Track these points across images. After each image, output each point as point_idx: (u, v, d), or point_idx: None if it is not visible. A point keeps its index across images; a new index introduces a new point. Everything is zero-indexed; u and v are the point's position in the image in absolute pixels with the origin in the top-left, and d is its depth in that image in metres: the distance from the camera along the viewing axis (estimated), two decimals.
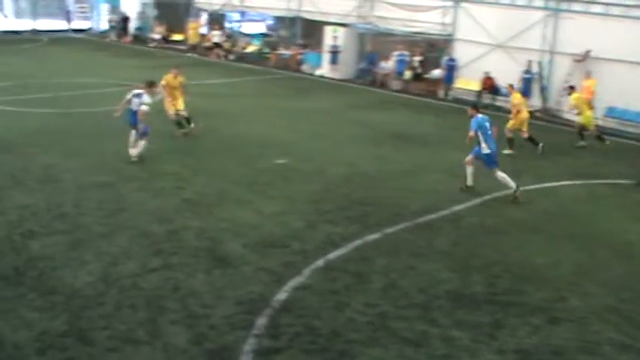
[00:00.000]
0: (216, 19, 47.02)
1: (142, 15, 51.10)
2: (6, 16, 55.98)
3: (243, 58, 42.00)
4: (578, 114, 23.54)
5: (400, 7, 34.54)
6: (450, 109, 29.61)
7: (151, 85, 18.56)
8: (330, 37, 36.39)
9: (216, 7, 45.37)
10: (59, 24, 54.06)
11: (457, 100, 30.99)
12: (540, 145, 21.81)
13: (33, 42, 45.98)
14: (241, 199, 15.73)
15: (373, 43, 35.98)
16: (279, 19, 44.76)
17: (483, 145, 16.82)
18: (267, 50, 41.92)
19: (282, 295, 11.05)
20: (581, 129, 23.46)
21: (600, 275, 12.77)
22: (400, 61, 33.81)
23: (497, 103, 29.90)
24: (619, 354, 10.02)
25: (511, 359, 9.68)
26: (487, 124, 16.98)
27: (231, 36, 45.09)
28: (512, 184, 16.80)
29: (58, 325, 9.83)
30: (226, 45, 43.01)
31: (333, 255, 12.78)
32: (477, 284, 11.98)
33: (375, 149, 21.07)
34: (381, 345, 9.78)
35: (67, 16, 54.57)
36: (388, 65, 34.36)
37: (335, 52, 36.12)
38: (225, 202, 15.42)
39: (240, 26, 46.76)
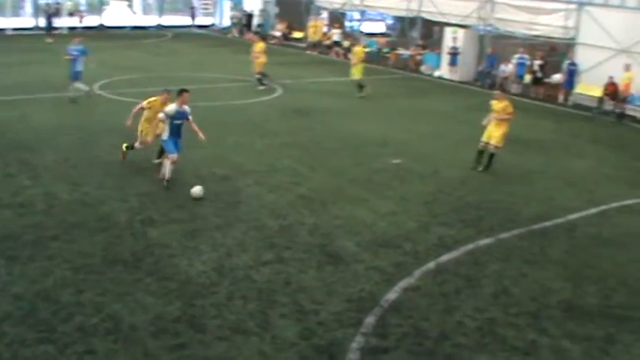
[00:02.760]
0: (337, 18, 47.42)
1: (263, 12, 52.06)
2: (134, 13, 58.19)
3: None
4: None
5: (521, 9, 33.98)
6: (570, 115, 28.96)
7: (180, 93, 15.68)
8: (450, 38, 36.20)
9: (337, 6, 45.78)
10: (183, 20, 55.74)
11: (577, 106, 30.26)
12: None
13: (158, 37, 47.54)
14: (356, 197, 15.91)
15: (493, 46, 35.50)
16: (399, 19, 44.71)
17: None
18: (387, 50, 41.93)
19: (391, 295, 11.16)
20: None
21: None
22: (520, 65, 33.23)
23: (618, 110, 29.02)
24: None
25: None
26: None
27: (351, 35, 45.37)
28: None
29: (172, 311, 10.27)
30: (346, 44, 43.31)
31: (444, 258, 12.79)
32: (590, 296, 11.74)
33: None
34: (488, 351, 9.75)
35: (192, 12, 56.18)
36: (508, 68, 33.83)
37: (454, 54, 35.90)
38: (340, 200, 15.62)
39: (360, 25, 46.96)
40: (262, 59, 29.18)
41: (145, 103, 16.93)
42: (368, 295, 11.13)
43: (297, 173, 17.38)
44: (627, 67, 28.28)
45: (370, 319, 10.33)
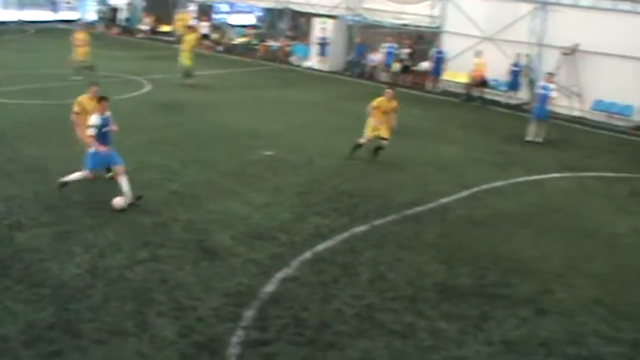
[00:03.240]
0: (205, 11, 46.86)
1: (130, 6, 50.84)
2: None
3: (231, 49, 41.90)
4: None
5: None
6: (438, 102, 29.72)
7: (100, 101, 14.51)
8: (319, 28, 36.37)
9: None
10: (46, 15, 53.77)
11: (445, 93, 31.07)
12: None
13: (19, 33, 45.69)
14: (230, 190, 15.73)
15: (362, 35, 35.99)
16: (268, 11, 44.61)
17: None
18: (255, 42, 41.78)
19: (269, 288, 11.09)
20: None
21: (587, 267, 12.88)
22: (388, 53, 33.78)
23: (485, 96, 30.02)
24: (605, 345, 10.14)
25: (498, 350, 9.76)
26: None
27: (220, 27, 44.95)
28: None
29: (45, 317, 9.83)
30: (214, 36, 42.88)
31: (320, 247, 12.82)
32: (464, 276, 12.05)
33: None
34: (368, 337, 9.83)
35: (54, 7, 54.26)
36: (377, 57, 34.38)
37: (323, 44, 36.11)
38: (214, 194, 15.40)
39: (228, 17, 46.58)
40: (84, 49, 29.06)
41: (75, 108, 15.60)
42: (246, 288, 11.01)
43: (168, 169, 17.01)
44: (478, 54, 29.62)
45: (249, 313, 10.23)
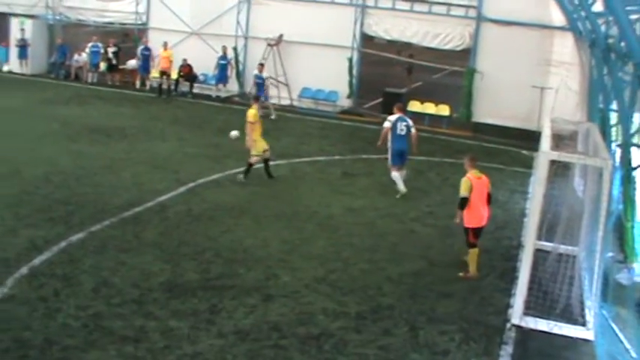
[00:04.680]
0: None
1: None
2: None
3: None
4: None
5: None
6: (148, 99, 29.50)
7: None
8: (17, 29, 34.44)
9: None
10: None
11: (154, 90, 30.81)
12: None
13: None
14: None
15: (65, 35, 34.62)
16: None
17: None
18: None
19: None
20: None
21: (308, 249, 13.54)
22: (94, 53, 32.80)
23: (195, 90, 30.32)
24: (332, 321, 10.73)
25: (231, 341, 9.94)
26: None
27: None
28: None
29: None
30: None
31: (37, 260, 12.22)
32: (189, 272, 12.14)
33: (73, 146, 20.38)
34: (99, 347, 9.56)
35: None
36: (82, 57, 33.29)
37: (23, 46, 34.24)
38: None
39: None
40: None
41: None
42: None
43: None
44: (165, 45, 30.07)
45: None
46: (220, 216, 15.15)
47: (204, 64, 30.18)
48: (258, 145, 17.77)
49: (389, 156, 17.46)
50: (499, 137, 25.01)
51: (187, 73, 30.22)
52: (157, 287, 11.47)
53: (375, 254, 13.54)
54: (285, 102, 29.21)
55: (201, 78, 30.68)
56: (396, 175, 17.33)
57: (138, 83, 32.13)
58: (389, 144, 17.38)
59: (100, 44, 32.89)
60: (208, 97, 29.99)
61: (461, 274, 12.88)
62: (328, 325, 10.60)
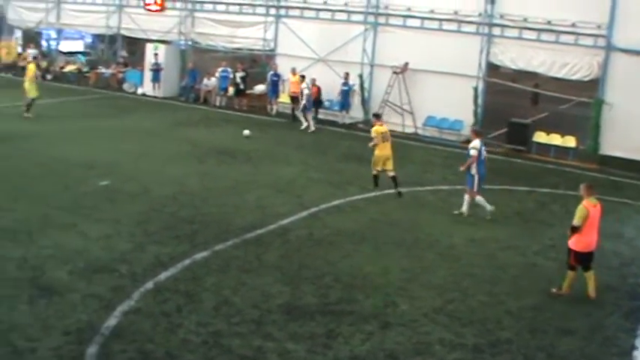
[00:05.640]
0: (31, 37, 45.10)
1: None
2: None
3: (60, 77, 40.51)
4: None
5: (221, 23, 34.80)
6: (274, 124, 29.99)
7: None
8: (152, 54, 35.89)
9: (31, 25, 43.49)
10: None
11: (281, 115, 31.37)
12: None
13: None
14: (65, 224, 15.20)
15: (196, 60, 35.84)
16: (99, 37, 43.52)
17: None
18: (86, 69, 40.67)
19: (112, 321, 10.80)
20: None
21: (427, 278, 13.41)
22: (223, 77, 33.79)
23: (320, 116, 30.63)
24: (449, 352, 10.57)
25: None
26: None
27: (48, 55, 43.45)
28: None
29: None
30: (43, 64, 41.37)
31: (162, 276, 12.63)
32: (308, 296, 12.22)
33: (201, 167, 21.03)
34: None
35: None
36: (211, 82, 34.32)
37: (157, 70, 35.64)
38: (48, 228, 14.85)
39: (57, 44, 45.05)
40: None
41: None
42: (87, 324, 10.67)
43: None
44: (293, 71, 30.51)
45: (92, 349, 9.92)
46: (341, 241, 15.22)
47: (330, 91, 30.53)
48: (375, 161, 19.09)
49: (475, 182, 17.51)
50: (627, 171, 24.13)
51: (316, 95, 30.41)
52: (275, 309, 11.61)
53: (495, 287, 13.27)
54: (410, 130, 29.12)
55: (326, 104, 31.00)
56: (480, 199, 17.50)
57: (270, 108, 32.61)
58: (472, 170, 17.47)
59: (229, 69, 33.81)
60: (333, 123, 30.27)
61: (554, 289, 12.85)
62: (445, 356, 10.46)
